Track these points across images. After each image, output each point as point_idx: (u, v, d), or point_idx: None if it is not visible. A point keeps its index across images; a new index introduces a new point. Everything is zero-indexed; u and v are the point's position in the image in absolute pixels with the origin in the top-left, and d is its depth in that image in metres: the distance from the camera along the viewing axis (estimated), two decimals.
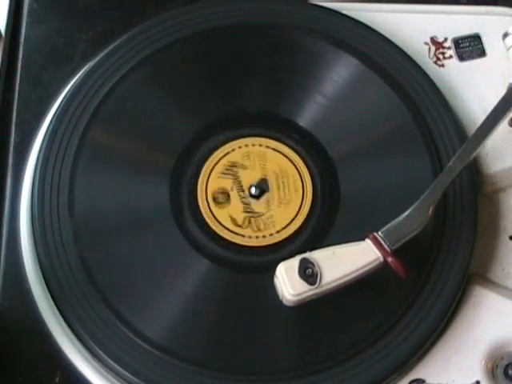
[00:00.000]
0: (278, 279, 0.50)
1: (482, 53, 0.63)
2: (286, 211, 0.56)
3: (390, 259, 0.50)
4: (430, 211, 0.52)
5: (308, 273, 0.50)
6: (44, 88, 0.61)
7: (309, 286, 0.49)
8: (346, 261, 0.50)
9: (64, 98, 0.59)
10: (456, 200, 0.56)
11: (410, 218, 0.52)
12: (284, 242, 0.55)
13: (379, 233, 0.51)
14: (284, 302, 0.51)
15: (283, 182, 0.57)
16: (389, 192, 0.56)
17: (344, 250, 0.51)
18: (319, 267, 0.50)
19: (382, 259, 0.51)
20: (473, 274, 0.56)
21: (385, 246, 0.51)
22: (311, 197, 0.57)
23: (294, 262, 0.50)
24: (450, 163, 0.53)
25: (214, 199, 0.56)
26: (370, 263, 0.51)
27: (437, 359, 0.53)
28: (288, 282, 0.50)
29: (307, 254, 0.50)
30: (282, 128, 0.59)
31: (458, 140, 0.57)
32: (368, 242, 0.51)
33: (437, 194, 0.53)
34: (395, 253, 0.51)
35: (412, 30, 0.63)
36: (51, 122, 0.58)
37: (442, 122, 0.58)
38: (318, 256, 0.50)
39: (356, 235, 0.52)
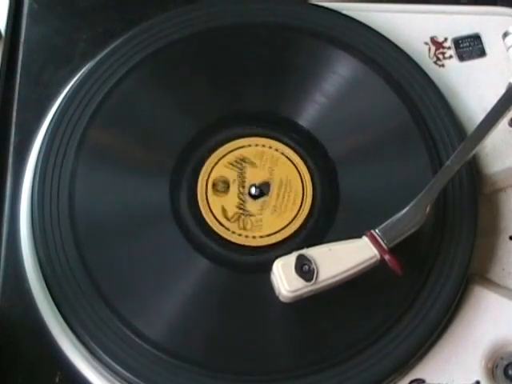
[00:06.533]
0: (275, 275, 0.50)
1: (482, 53, 0.63)
2: (276, 220, 0.56)
3: (386, 257, 0.50)
4: (428, 209, 0.52)
5: (304, 269, 0.50)
6: (44, 88, 0.61)
7: (305, 283, 0.50)
8: (342, 258, 0.50)
9: (64, 97, 0.59)
10: (456, 200, 0.56)
11: (408, 216, 0.52)
12: (286, 241, 0.55)
13: (376, 230, 0.51)
14: (280, 298, 0.51)
15: (284, 192, 0.57)
16: (389, 191, 0.56)
17: (341, 247, 0.51)
18: (316, 264, 0.50)
19: (378, 257, 0.51)
20: (473, 274, 0.56)
21: (382, 243, 0.51)
22: (311, 197, 0.57)
23: (290, 259, 0.50)
24: (448, 162, 0.53)
25: (214, 185, 0.56)
26: (367, 260, 0.51)
27: (437, 359, 0.53)
28: (284, 279, 0.50)
29: (304, 251, 0.51)
30: (281, 128, 0.59)
31: (458, 140, 0.57)
32: (365, 239, 0.51)
33: (434, 192, 0.53)
34: (393, 251, 0.51)
35: (412, 30, 0.63)
36: (51, 122, 0.58)
37: (441, 122, 0.58)
38: (315, 253, 0.50)
39: (356, 234, 0.52)
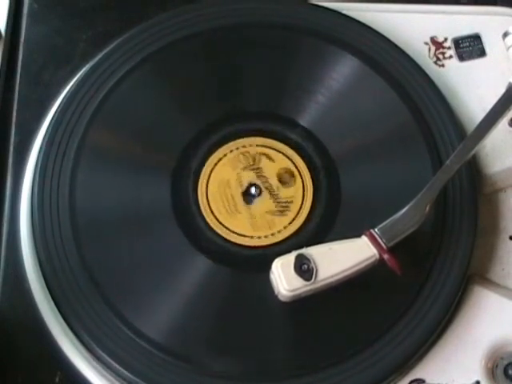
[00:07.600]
0: (274, 275, 0.50)
1: (482, 53, 0.63)
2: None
3: (385, 256, 0.50)
4: (427, 209, 0.52)
5: (304, 268, 0.50)
6: (44, 88, 0.61)
7: (304, 282, 0.50)
8: (342, 257, 0.50)
9: (64, 97, 0.59)
10: (456, 200, 0.56)
11: (407, 216, 0.52)
12: (284, 242, 0.55)
13: (376, 230, 0.51)
14: (279, 297, 0.51)
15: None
16: (389, 191, 0.56)
17: (340, 247, 0.51)
18: (315, 263, 0.50)
19: (377, 256, 0.51)
20: (473, 274, 0.56)
21: (381, 242, 0.51)
22: (312, 196, 0.57)
23: (289, 258, 0.50)
24: (448, 162, 0.53)
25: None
26: (366, 260, 0.51)
27: (437, 359, 0.53)
28: (284, 278, 0.50)
29: (303, 250, 0.51)
30: (282, 127, 0.59)
31: (458, 140, 0.57)
32: (364, 238, 0.51)
33: (434, 192, 0.53)
34: (393, 251, 0.51)
35: (412, 30, 0.63)
36: (51, 121, 0.58)
37: (441, 122, 0.59)
38: (314, 252, 0.50)
39: (357, 234, 0.52)
